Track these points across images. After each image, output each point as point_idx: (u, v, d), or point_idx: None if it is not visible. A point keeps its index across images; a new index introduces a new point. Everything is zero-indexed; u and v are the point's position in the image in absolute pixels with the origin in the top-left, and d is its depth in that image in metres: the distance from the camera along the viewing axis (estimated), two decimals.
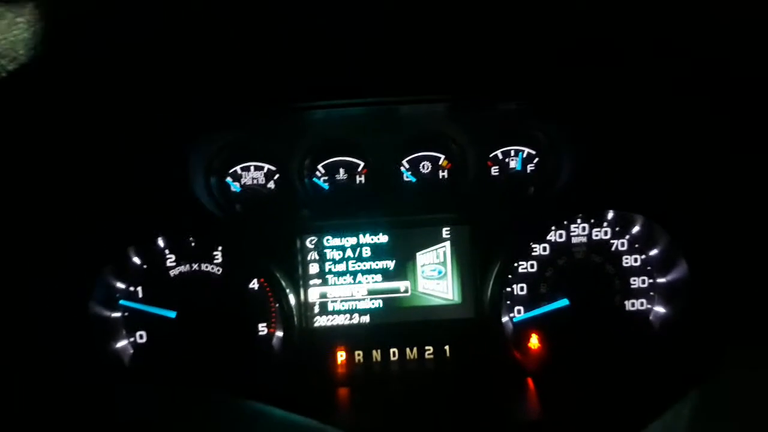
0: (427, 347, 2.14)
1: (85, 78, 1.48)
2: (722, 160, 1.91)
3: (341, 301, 2.14)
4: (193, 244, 2.07)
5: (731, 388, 0.96)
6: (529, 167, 2.18)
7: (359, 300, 2.14)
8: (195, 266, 2.08)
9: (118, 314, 2.07)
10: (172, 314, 2.05)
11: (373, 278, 2.14)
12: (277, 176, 2.14)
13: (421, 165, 2.17)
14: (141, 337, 2.09)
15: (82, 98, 1.56)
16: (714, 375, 0.99)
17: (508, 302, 2.13)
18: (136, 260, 2.07)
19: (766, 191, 1.87)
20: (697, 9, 1.55)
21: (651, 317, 2.14)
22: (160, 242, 2.06)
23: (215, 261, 2.08)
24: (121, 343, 2.07)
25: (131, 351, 2.09)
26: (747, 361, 0.99)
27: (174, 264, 2.07)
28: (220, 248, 2.08)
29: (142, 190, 1.97)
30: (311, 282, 2.14)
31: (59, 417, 1.31)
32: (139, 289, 2.07)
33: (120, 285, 2.06)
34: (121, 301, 2.05)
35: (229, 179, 2.14)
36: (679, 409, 0.97)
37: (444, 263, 2.14)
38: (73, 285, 1.94)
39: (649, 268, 2.13)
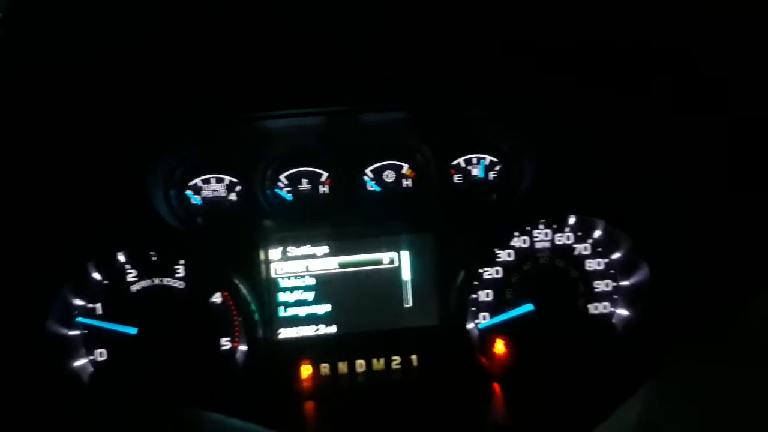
0: (393, 357, 2.13)
1: (42, 90, 1.46)
2: (682, 164, 1.95)
3: (306, 312, 2.12)
4: (154, 258, 2.04)
5: (677, 384, 0.97)
6: (492, 174, 2.19)
7: (324, 310, 2.12)
8: (157, 281, 2.04)
9: (76, 332, 2.02)
10: (133, 330, 2.01)
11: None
12: (238, 188, 2.12)
13: (385, 174, 2.18)
14: (101, 354, 2.04)
15: (37, 109, 1.54)
16: (661, 371, 1.00)
17: (474, 309, 2.14)
18: (96, 276, 2.02)
19: (725, 195, 1.91)
20: (657, 15, 1.59)
21: (614, 320, 2.16)
22: (121, 257, 2.02)
23: (177, 275, 2.05)
24: (80, 362, 2.02)
25: (91, 369, 2.04)
26: (693, 357, 1.01)
27: (135, 279, 2.03)
28: (182, 262, 2.04)
29: (100, 205, 1.93)
30: (275, 294, 2.11)
31: None
32: (98, 305, 2.02)
33: (78, 302, 2.01)
34: (79, 319, 2.01)
35: (189, 192, 2.12)
36: (629, 405, 0.98)
37: (409, 271, 2.14)
38: (29, 303, 1.89)
39: (612, 271, 2.15)
